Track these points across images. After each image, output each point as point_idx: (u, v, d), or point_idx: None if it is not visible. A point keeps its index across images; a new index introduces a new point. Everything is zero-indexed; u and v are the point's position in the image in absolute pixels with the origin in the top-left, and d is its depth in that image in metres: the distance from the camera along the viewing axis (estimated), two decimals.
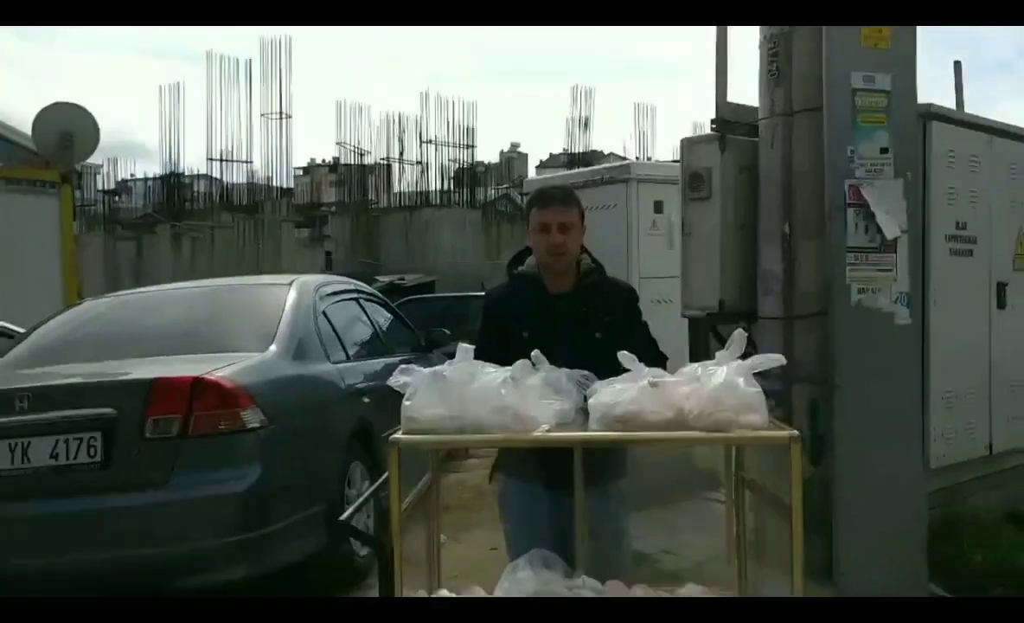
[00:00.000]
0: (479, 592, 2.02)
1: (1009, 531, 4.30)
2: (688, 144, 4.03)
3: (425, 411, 1.89)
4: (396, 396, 4.41)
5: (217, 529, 3.08)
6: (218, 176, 21.02)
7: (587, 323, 2.47)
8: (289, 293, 4.05)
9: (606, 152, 33.58)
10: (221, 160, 20.29)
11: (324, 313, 4.19)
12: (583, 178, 5.62)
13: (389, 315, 5.46)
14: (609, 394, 1.95)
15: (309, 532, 3.39)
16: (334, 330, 4.22)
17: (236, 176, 20.67)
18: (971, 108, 5.03)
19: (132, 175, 24.69)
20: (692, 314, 4.02)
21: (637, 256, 5.22)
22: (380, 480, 2.01)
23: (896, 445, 3.47)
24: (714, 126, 3.89)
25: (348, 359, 4.23)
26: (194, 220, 19.41)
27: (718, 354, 2.06)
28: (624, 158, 25.95)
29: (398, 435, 1.89)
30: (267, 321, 3.79)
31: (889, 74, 3.45)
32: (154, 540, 3.04)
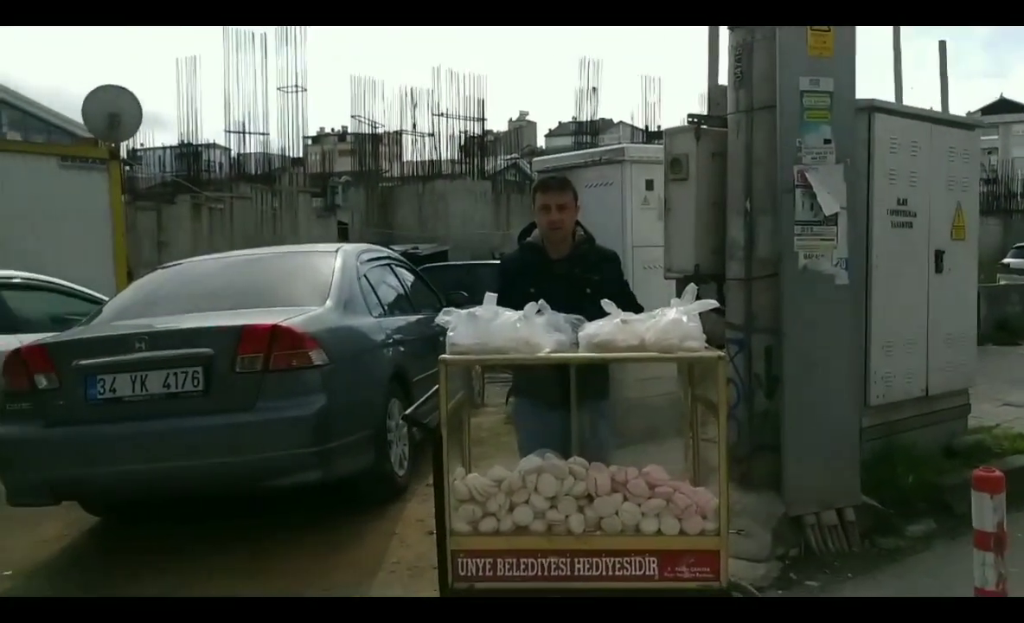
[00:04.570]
0: (501, 470, 2.83)
1: (939, 460, 5.07)
2: (669, 134, 4.79)
3: (464, 339, 2.70)
4: (424, 347, 5.24)
5: (293, 443, 3.89)
6: (234, 147, 21.61)
7: (579, 281, 3.26)
8: (336, 258, 4.86)
9: (615, 120, 34.05)
10: (239, 133, 20.96)
11: (365, 276, 4.99)
12: (584, 159, 6.35)
13: (415, 279, 6.26)
14: (593, 328, 2.75)
15: (362, 450, 4.22)
16: (373, 290, 5.02)
17: (251, 147, 21.31)
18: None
19: (142, 145, 24.76)
20: (673, 276, 4.79)
21: (631, 228, 5.94)
22: (434, 389, 2.80)
23: (833, 382, 4.27)
24: (690, 119, 4.64)
25: (385, 314, 5.04)
26: (212, 190, 20.00)
27: (673, 301, 2.86)
28: (632, 126, 26.51)
29: (445, 355, 2.70)
30: (321, 281, 4.60)
31: (831, 78, 4.20)
32: (244, 451, 3.85)
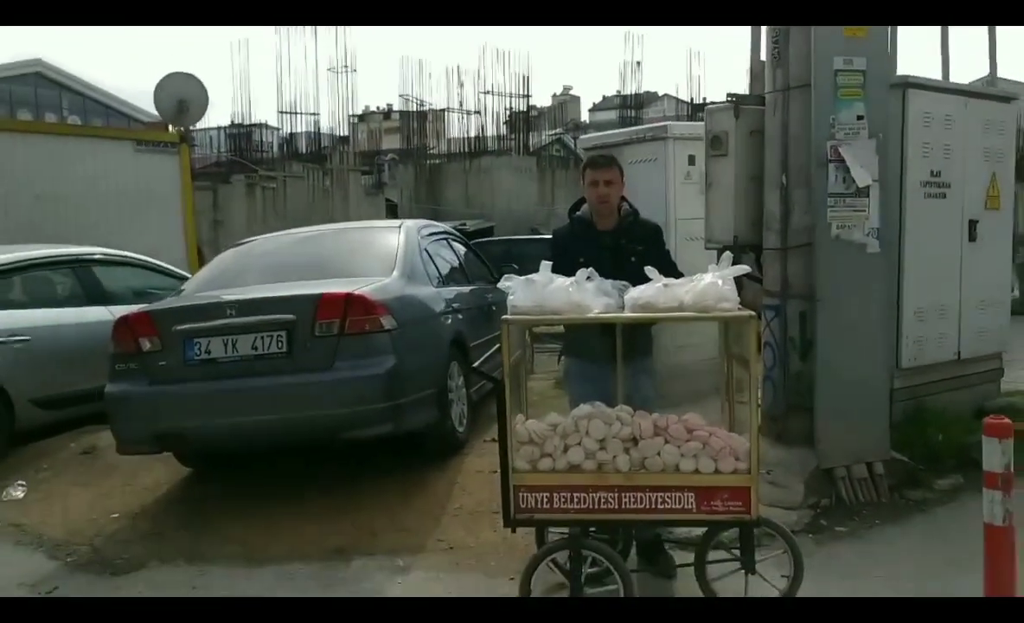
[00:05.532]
0: (556, 417, 3.21)
1: (970, 420, 5.28)
2: (710, 112, 5.08)
3: (523, 302, 3.07)
4: (479, 315, 5.66)
5: (367, 399, 4.31)
6: (284, 127, 22.17)
7: (624, 250, 3.60)
8: (400, 233, 5.28)
9: (660, 94, 33.89)
10: (291, 113, 21.54)
11: (426, 249, 5.40)
12: (629, 136, 6.63)
13: (468, 252, 6.66)
14: (637, 292, 3.11)
15: (427, 407, 4.65)
16: (433, 262, 5.43)
17: (301, 127, 21.89)
18: None
19: (194, 125, 25.31)
20: (713, 246, 5.09)
21: (674, 201, 6.21)
22: (495, 347, 3.19)
23: (864, 345, 4.55)
24: (729, 98, 4.92)
25: (444, 284, 5.45)
26: (264, 169, 20.55)
27: (710, 266, 3.19)
28: (677, 99, 26.45)
29: (507, 316, 3.08)
30: (387, 254, 5.02)
31: (865, 57, 4.44)
32: (324, 406, 4.29)
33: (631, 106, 23.85)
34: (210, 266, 5.74)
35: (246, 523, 4.40)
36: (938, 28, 6.04)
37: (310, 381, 4.29)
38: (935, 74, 5.57)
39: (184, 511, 4.74)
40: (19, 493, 5.15)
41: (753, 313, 3.03)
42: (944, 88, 5.22)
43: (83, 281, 6.54)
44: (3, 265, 6.10)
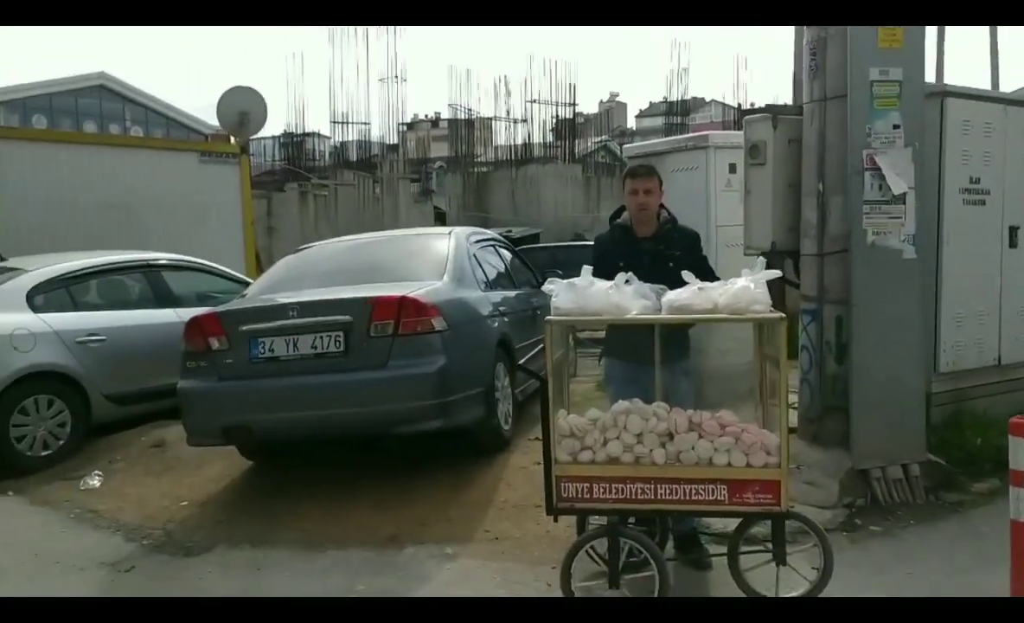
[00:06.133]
0: (596, 412, 3.41)
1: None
2: (748, 122, 5.24)
3: (565, 303, 3.29)
4: (524, 318, 5.89)
5: (419, 395, 4.58)
6: (335, 136, 22.73)
7: (662, 256, 3.79)
8: (450, 240, 5.56)
9: (707, 100, 33.80)
10: (343, 123, 22.10)
11: (474, 255, 5.66)
12: (672, 145, 6.81)
13: (515, 259, 6.90)
14: (673, 294, 3.30)
15: (474, 405, 4.89)
16: (481, 267, 5.69)
17: (352, 135, 22.44)
18: None
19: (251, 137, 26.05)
20: (751, 253, 5.23)
21: (715, 208, 6.37)
22: (539, 348, 3.41)
23: (899, 349, 4.65)
24: (768, 109, 5.07)
25: (491, 289, 5.70)
26: (317, 177, 21.08)
27: (743, 271, 3.36)
28: (724, 104, 26.41)
29: (550, 317, 3.30)
30: (438, 259, 5.30)
31: (901, 67, 4.55)
32: (379, 402, 4.57)
33: (677, 112, 23.85)
34: (271, 271, 6.08)
35: (305, 512, 4.70)
36: (987, 34, 6.11)
37: (366, 379, 4.56)
38: (985, 81, 5.65)
39: (248, 500, 5.06)
40: (96, 482, 5.54)
41: (783, 315, 3.19)
42: (983, 96, 5.29)
43: (152, 285, 6.96)
44: (81, 270, 6.54)
